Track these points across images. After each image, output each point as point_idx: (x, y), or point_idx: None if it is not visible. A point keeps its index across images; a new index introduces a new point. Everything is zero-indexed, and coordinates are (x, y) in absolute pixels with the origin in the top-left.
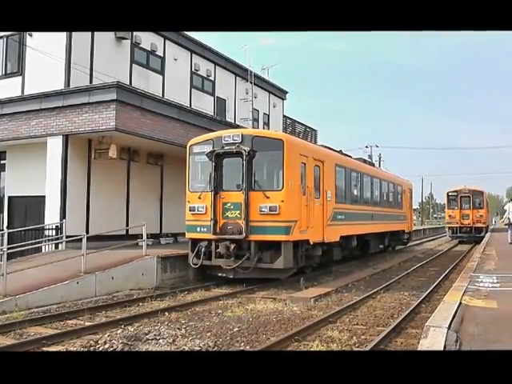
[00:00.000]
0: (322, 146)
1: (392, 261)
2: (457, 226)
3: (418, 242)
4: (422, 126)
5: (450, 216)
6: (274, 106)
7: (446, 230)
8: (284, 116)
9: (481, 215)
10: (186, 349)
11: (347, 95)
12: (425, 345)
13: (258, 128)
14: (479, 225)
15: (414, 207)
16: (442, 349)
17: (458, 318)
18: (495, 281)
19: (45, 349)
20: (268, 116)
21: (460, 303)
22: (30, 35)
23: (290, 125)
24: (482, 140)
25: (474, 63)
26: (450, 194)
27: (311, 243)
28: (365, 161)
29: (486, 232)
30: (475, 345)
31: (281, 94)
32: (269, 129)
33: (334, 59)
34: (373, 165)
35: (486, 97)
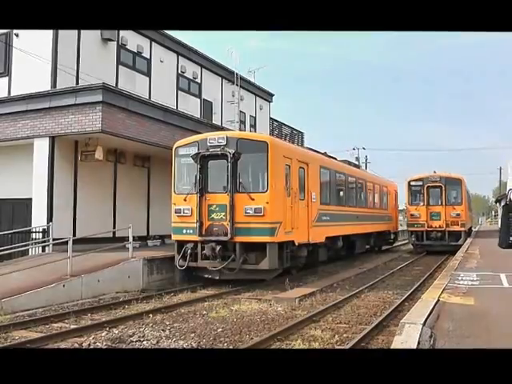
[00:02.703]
0: (307, 148)
1: (377, 260)
2: (422, 229)
3: (403, 241)
4: (410, 128)
5: (412, 216)
6: (261, 109)
7: (408, 234)
8: (271, 118)
9: (458, 214)
10: (169, 348)
11: (334, 97)
12: (399, 341)
13: (244, 130)
14: (455, 228)
15: (400, 208)
16: (415, 344)
17: (434, 315)
18: (475, 278)
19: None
20: (255, 118)
21: (438, 300)
22: (17, 36)
23: (277, 127)
24: (470, 141)
25: (467, 65)
26: (412, 183)
27: (296, 244)
28: (349, 163)
29: (468, 237)
30: (449, 340)
31: (267, 96)
32: (255, 131)
33: (321, 62)
34: (358, 167)
35: (476, 99)
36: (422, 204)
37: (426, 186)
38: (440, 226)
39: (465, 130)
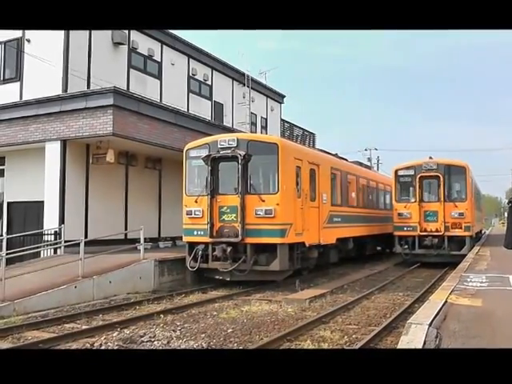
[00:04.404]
0: (318, 149)
1: (388, 262)
2: (413, 234)
3: None
4: (421, 128)
5: (400, 216)
6: (272, 110)
7: (396, 241)
8: (282, 120)
9: (461, 213)
10: (180, 349)
11: (346, 98)
12: (405, 341)
13: (255, 132)
14: (457, 232)
15: None
16: (421, 344)
17: (440, 316)
18: (484, 280)
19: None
20: (266, 120)
21: (445, 302)
22: (28, 41)
23: (288, 128)
24: (482, 142)
25: (475, 66)
26: (400, 172)
27: (307, 245)
28: (360, 164)
29: (476, 242)
30: (454, 341)
31: (278, 97)
32: (266, 133)
33: (333, 62)
34: (369, 168)
35: (485, 100)
36: (413, 200)
37: (418, 175)
38: (437, 230)
39: (477, 131)
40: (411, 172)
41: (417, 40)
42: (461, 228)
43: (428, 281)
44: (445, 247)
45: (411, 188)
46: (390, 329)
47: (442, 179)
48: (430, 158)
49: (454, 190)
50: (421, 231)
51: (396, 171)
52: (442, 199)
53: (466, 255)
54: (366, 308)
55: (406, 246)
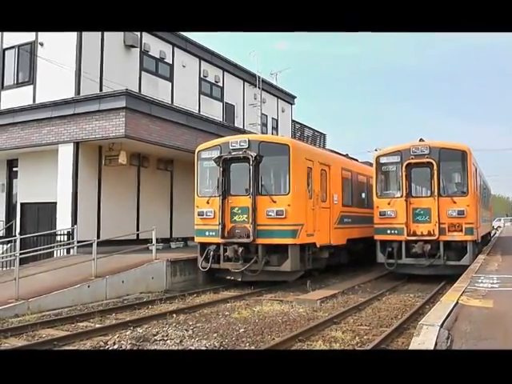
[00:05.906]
0: (329, 150)
1: None
2: (399, 239)
3: None
4: (434, 127)
5: (382, 215)
6: (283, 111)
7: (377, 247)
8: (293, 121)
9: (461, 212)
10: (193, 349)
11: (356, 98)
12: (416, 342)
13: (266, 133)
14: (456, 236)
15: None
16: (433, 346)
17: (452, 317)
18: (495, 281)
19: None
20: (277, 121)
21: (456, 303)
22: (41, 45)
23: (299, 129)
24: (491, 142)
25: (480, 65)
26: (382, 159)
27: (318, 246)
28: (371, 164)
29: (482, 249)
30: (466, 342)
31: (289, 98)
32: (277, 134)
33: (344, 63)
34: None
35: (493, 98)
36: (398, 195)
37: (405, 163)
38: (430, 234)
39: (488, 130)
40: (396, 159)
41: (426, 39)
42: (461, 230)
43: (439, 282)
44: (440, 256)
45: (397, 179)
46: (401, 330)
47: (435, 167)
48: (421, 140)
49: (451, 182)
50: (409, 235)
51: (377, 158)
52: (436, 193)
53: (467, 266)
54: (377, 309)
55: (389, 253)
